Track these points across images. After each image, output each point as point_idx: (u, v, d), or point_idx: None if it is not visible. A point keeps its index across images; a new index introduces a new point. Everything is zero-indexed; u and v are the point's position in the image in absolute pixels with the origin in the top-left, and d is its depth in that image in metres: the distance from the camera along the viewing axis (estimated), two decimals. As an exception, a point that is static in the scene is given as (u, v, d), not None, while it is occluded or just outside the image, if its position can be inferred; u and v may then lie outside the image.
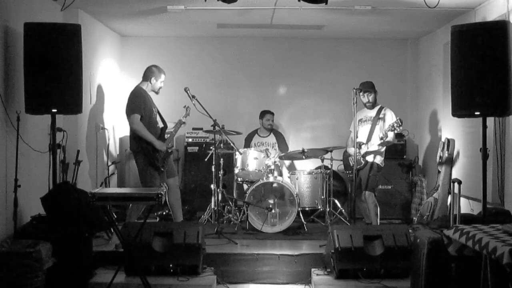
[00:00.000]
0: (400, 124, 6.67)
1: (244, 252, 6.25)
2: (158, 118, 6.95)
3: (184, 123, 7.16)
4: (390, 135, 6.88)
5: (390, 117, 6.98)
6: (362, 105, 7.22)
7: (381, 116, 7.06)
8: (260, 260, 6.08)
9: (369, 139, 7.04)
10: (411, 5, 6.94)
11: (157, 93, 6.98)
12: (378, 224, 7.05)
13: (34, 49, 5.40)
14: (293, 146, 8.81)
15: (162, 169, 6.71)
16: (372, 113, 7.16)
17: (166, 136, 6.97)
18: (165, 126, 6.98)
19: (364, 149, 7.01)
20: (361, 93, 7.06)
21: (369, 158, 7.05)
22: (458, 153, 7.52)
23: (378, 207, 7.13)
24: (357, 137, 7.07)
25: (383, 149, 7.12)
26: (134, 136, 6.70)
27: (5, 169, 5.41)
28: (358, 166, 6.97)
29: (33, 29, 5.43)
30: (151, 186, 6.47)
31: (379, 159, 7.09)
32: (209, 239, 6.44)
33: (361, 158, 7.01)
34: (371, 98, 7.11)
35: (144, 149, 6.63)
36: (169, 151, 6.89)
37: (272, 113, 8.67)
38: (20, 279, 4.55)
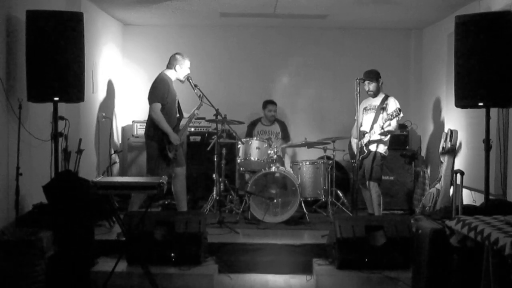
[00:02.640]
0: (399, 113, 6.66)
1: (245, 241, 6.26)
2: (177, 108, 6.93)
3: (197, 112, 7.15)
4: (393, 124, 6.86)
5: (391, 107, 6.95)
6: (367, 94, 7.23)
7: (384, 105, 7.04)
8: (261, 250, 6.09)
9: (372, 128, 7.02)
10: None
11: (182, 81, 6.95)
12: (381, 214, 7.05)
13: (36, 37, 5.38)
14: (296, 136, 8.79)
15: (173, 160, 6.70)
16: (377, 101, 7.14)
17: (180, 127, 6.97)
18: (181, 116, 6.97)
19: (366, 138, 7.01)
20: (364, 82, 7.05)
21: (372, 147, 7.04)
22: (460, 144, 7.50)
23: (382, 198, 7.12)
24: (361, 125, 7.09)
25: (387, 138, 7.10)
26: (152, 123, 6.69)
27: (7, 157, 5.40)
28: (362, 155, 6.98)
29: (35, 16, 5.40)
30: (157, 175, 6.46)
31: (382, 148, 7.07)
32: (211, 229, 6.45)
33: (364, 147, 7.01)
34: (371, 87, 7.09)
35: (160, 138, 6.63)
36: (181, 141, 6.88)
37: (275, 104, 8.63)
38: (21, 267, 4.56)
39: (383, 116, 6.96)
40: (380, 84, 7.15)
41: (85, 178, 5.97)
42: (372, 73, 7.12)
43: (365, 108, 7.23)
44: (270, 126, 8.65)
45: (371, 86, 7.10)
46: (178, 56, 6.87)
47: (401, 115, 6.74)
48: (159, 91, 6.66)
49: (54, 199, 5.42)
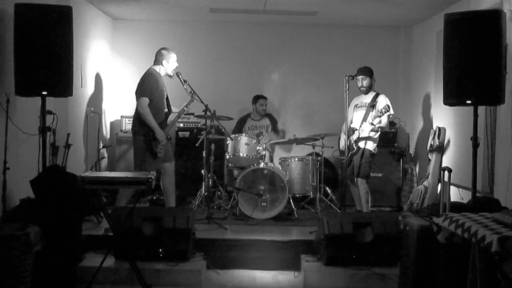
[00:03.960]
0: (388, 109, 6.68)
1: (233, 238, 6.26)
2: (165, 103, 6.91)
3: (187, 108, 7.13)
4: (383, 120, 6.87)
5: (381, 104, 6.95)
6: (359, 91, 7.24)
7: (374, 103, 7.05)
8: (249, 246, 6.10)
9: (362, 124, 7.04)
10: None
11: (171, 76, 6.93)
12: (369, 211, 7.07)
13: (24, 30, 5.33)
14: (285, 132, 8.79)
15: (159, 155, 6.69)
16: (368, 99, 7.15)
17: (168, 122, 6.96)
18: (169, 111, 6.95)
19: (356, 135, 7.02)
20: (357, 77, 7.07)
21: (361, 144, 7.06)
22: (449, 141, 7.54)
23: (370, 194, 7.14)
24: (351, 122, 7.12)
25: (377, 135, 7.11)
26: (138, 117, 6.67)
27: (-6, 152, 5.38)
28: (351, 152, 7.00)
29: (24, 10, 5.35)
30: (144, 169, 6.45)
31: (371, 146, 7.09)
32: (199, 225, 6.46)
33: (354, 144, 7.03)
34: (365, 83, 7.10)
35: (146, 133, 6.61)
36: (168, 137, 6.86)
37: (265, 98, 8.63)
38: (8, 262, 4.53)
39: (372, 113, 6.97)
40: (373, 82, 7.16)
41: (73, 173, 5.94)
42: (367, 69, 7.13)
43: (356, 106, 7.25)
44: (260, 120, 8.64)
45: (364, 82, 7.10)
46: (163, 51, 6.86)
47: (391, 111, 6.76)
48: (147, 86, 6.65)
49: (41, 193, 5.39)
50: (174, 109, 7.10)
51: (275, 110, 9.32)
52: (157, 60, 6.85)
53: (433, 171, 7.51)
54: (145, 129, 6.61)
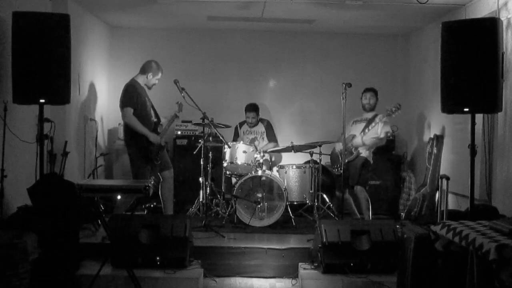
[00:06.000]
0: (398, 108, 6.82)
1: (231, 245, 6.24)
2: (152, 112, 6.92)
3: (177, 117, 7.16)
4: (383, 139, 7.01)
5: (381, 129, 7.14)
6: (360, 110, 7.49)
7: (373, 122, 7.14)
8: (247, 253, 6.08)
9: (363, 131, 7.13)
10: (402, 0, 6.96)
11: (149, 88, 6.96)
12: (370, 218, 7.08)
13: (22, 38, 5.32)
14: (283, 140, 8.79)
15: (155, 162, 6.69)
16: (368, 115, 7.29)
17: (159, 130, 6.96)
18: (159, 120, 6.97)
19: (357, 139, 7.11)
20: (364, 94, 7.39)
21: (361, 151, 7.13)
22: (446, 149, 7.54)
23: (370, 202, 7.16)
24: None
25: (374, 147, 7.19)
26: (127, 128, 6.68)
27: (-8, 159, 5.37)
28: (348, 159, 7.01)
29: (22, 18, 5.34)
30: (142, 178, 6.44)
31: (370, 155, 7.16)
32: (197, 232, 6.44)
33: (353, 149, 7.07)
34: (372, 101, 7.44)
35: (138, 142, 6.63)
36: (163, 144, 6.87)
37: (254, 110, 8.48)
38: (5, 270, 4.52)
39: (373, 131, 7.08)
40: (376, 102, 7.40)
41: (70, 180, 5.93)
42: (374, 89, 7.46)
43: (355, 121, 7.38)
44: (255, 126, 8.63)
45: (371, 101, 7.42)
46: (153, 65, 6.90)
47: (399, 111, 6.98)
48: (128, 96, 6.70)
49: (39, 201, 5.38)
50: (163, 119, 7.11)
51: (272, 118, 9.32)
52: (144, 70, 6.89)
53: (430, 179, 7.51)
54: (137, 138, 6.63)
